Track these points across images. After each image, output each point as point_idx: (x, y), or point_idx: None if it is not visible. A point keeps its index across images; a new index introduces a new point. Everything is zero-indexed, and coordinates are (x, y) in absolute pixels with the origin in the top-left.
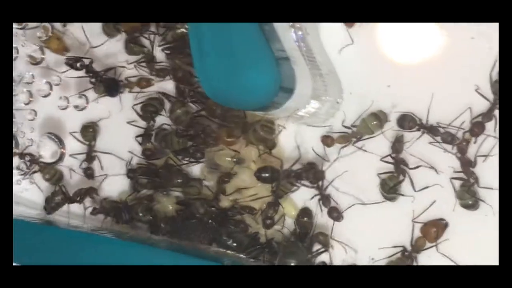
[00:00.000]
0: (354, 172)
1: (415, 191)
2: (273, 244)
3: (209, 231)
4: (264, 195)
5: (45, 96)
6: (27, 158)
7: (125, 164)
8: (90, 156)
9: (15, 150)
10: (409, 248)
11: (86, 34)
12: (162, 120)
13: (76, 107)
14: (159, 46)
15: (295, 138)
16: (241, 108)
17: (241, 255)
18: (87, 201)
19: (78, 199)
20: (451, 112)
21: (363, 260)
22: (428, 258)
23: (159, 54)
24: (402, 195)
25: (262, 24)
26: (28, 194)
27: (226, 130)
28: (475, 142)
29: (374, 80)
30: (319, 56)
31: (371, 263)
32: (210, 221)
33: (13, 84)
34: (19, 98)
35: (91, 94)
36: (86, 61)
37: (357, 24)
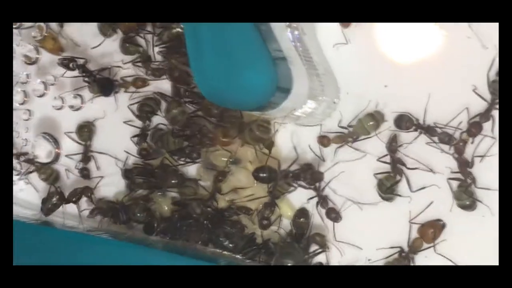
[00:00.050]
0: (351, 173)
1: (412, 191)
2: (270, 245)
3: (205, 232)
4: (260, 196)
5: (40, 96)
6: (22, 158)
7: (119, 164)
8: (86, 156)
9: None
10: (406, 249)
11: (83, 34)
12: (158, 120)
13: (71, 107)
14: (155, 45)
15: (291, 138)
16: (237, 108)
17: (238, 256)
18: (83, 201)
19: (74, 199)
20: (449, 112)
21: (360, 261)
22: (425, 258)
23: (155, 54)
24: (399, 195)
25: (259, 24)
26: (23, 194)
27: (222, 130)
28: (472, 143)
29: (371, 80)
30: (316, 56)
31: (367, 264)
32: (205, 221)
33: None
34: (14, 98)
35: (86, 94)
36: (80, 61)
37: (354, 24)
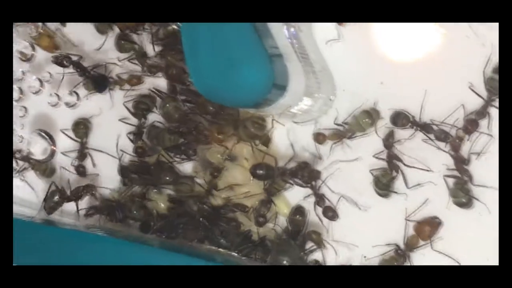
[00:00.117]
0: (347, 170)
1: (408, 188)
2: (266, 242)
3: (202, 229)
4: (256, 193)
5: (36, 93)
6: (18, 155)
7: (115, 161)
8: (82, 153)
9: None
10: (402, 246)
11: (79, 32)
12: (154, 117)
13: (67, 104)
14: (151, 43)
15: (287, 135)
16: (233, 105)
17: (233, 253)
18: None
19: (76, 197)
20: (445, 110)
21: (355, 258)
22: (421, 256)
23: (151, 51)
24: (396, 192)
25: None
26: (19, 192)
27: (217, 127)
28: (468, 140)
29: (367, 78)
30: (312, 53)
31: (364, 261)
32: (201, 219)
33: None
34: None
35: (82, 91)
36: (75, 58)
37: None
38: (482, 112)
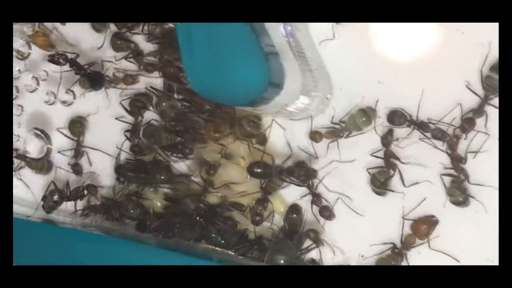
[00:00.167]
0: (344, 169)
1: (405, 186)
2: (263, 241)
3: (198, 228)
4: (253, 191)
5: (32, 91)
6: (14, 154)
7: (112, 160)
8: (78, 152)
9: None
10: (399, 245)
11: (75, 30)
12: (150, 115)
13: (63, 102)
14: (147, 41)
15: (284, 134)
16: (229, 104)
17: (230, 252)
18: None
19: (76, 197)
20: (442, 108)
21: (352, 257)
22: (418, 255)
23: (147, 49)
24: (392, 191)
25: None
26: (15, 190)
27: (213, 126)
28: (465, 139)
29: (365, 76)
30: (309, 51)
31: (360, 260)
32: (198, 218)
33: None
34: None
35: (78, 89)
36: (71, 55)
37: None
38: (479, 111)
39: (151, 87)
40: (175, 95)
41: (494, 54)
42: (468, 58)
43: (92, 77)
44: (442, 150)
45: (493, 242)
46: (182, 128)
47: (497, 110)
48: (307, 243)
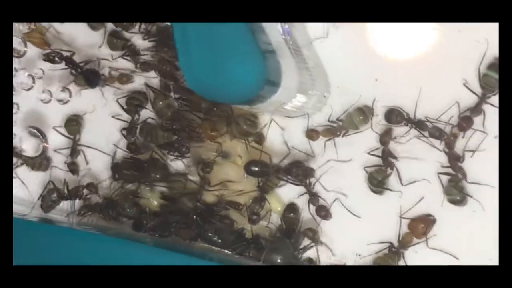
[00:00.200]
0: (341, 168)
1: (402, 185)
2: (259, 240)
3: (195, 227)
4: (250, 190)
5: (28, 89)
6: None
7: (108, 158)
8: (74, 150)
9: None
10: (396, 244)
11: (71, 28)
12: (147, 114)
13: (59, 100)
14: (144, 39)
15: (281, 133)
16: (226, 102)
17: (227, 251)
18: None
19: (75, 196)
20: (439, 107)
21: (349, 256)
22: (415, 254)
23: (144, 48)
24: (390, 189)
25: None
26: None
27: (209, 124)
28: (463, 137)
29: (362, 74)
30: (306, 49)
31: (358, 259)
32: (194, 217)
33: None
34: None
35: (74, 87)
36: (66, 53)
37: None
38: (477, 109)
39: (148, 85)
40: (172, 94)
41: (491, 52)
42: (466, 57)
43: (88, 75)
44: (439, 149)
45: (491, 241)
46: (178, 127)
47: (494, 109)
48: (305, 242)
